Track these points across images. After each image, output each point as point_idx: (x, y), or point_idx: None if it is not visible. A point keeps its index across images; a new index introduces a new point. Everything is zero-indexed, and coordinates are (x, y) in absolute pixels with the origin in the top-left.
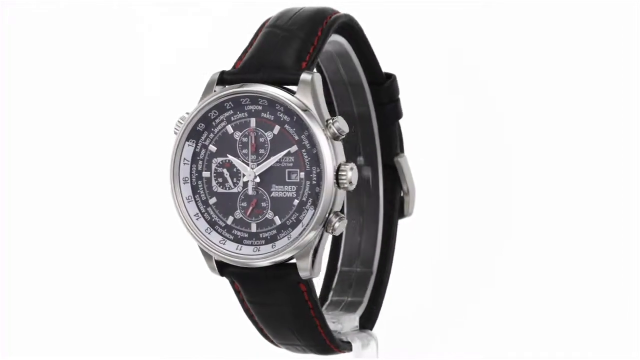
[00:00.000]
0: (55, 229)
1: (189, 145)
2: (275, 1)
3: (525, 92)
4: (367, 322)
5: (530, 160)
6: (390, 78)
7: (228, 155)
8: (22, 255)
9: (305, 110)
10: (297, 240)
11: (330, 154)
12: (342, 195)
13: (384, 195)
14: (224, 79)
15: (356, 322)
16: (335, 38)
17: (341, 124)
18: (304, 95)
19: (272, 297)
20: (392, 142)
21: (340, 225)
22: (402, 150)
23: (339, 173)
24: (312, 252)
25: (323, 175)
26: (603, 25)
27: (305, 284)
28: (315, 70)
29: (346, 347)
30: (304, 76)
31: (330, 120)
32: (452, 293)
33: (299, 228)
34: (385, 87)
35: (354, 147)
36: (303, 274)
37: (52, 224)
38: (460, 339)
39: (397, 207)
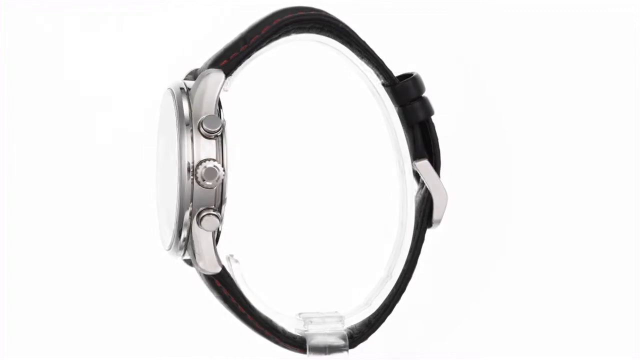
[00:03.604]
0: (57, 226)
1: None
2: (280, 2)
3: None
4: (367, 326)
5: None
6: (406, 78)
7: None
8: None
9: (180, 107)
10: (176, 236)
11: (186, 151)
12: (206, 193)
13: (415, 203)
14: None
15: (341, 327)
16: (324, 40)
17: (208, 124)
18: (194, 92)
19: (211, 291)
20: (414, 146)
21: (206, 222)
22: (429, 155)
23: (195, 170)
24: (195, 247)
25: (178, 172)
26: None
27: (218, 279)
28: (227, 68)
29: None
30: (203, 73)
31: (200, 119)
32: (451, 294)
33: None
34: (396, 89)
35: (396, 152)
36: (197, 269)
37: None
38: (459, 339)
39: (425, 214)
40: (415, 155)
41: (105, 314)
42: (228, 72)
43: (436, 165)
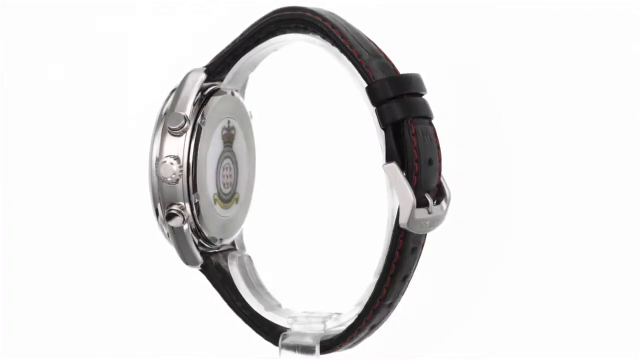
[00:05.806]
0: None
1: None
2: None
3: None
4: (349, 328)
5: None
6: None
7: None
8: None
9: (163, 106)
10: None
11: (154, 148)
12: (171, 189)
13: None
14: None
15: (321, 328)
16: (312, 39)
17: (169, 121)
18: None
19: None
20: (385, 148)
21: (170, 218)
22: (397, 159)
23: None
24: (176, 242)
25: (148, 168)
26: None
27: (203, 273)
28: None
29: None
30: (187, 72)
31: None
32: (451, 295)
33: None
34: (370, 88)
35: None
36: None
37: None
38: (459, 340)
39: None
40: (386, 158)
41: (105, 313)
42: (214, 71)
43: (407, 169)
